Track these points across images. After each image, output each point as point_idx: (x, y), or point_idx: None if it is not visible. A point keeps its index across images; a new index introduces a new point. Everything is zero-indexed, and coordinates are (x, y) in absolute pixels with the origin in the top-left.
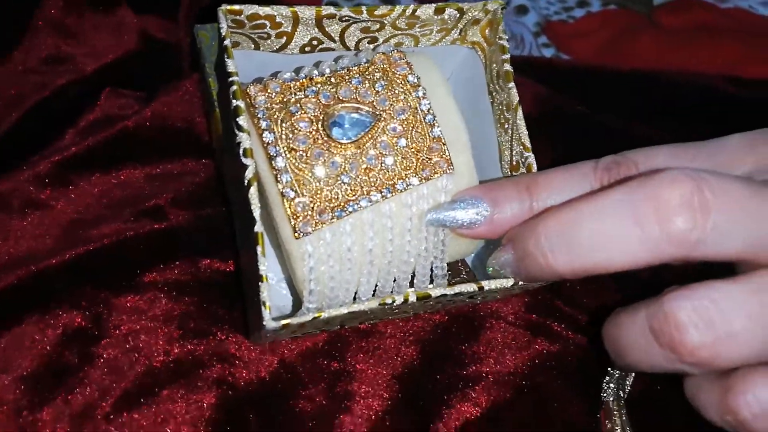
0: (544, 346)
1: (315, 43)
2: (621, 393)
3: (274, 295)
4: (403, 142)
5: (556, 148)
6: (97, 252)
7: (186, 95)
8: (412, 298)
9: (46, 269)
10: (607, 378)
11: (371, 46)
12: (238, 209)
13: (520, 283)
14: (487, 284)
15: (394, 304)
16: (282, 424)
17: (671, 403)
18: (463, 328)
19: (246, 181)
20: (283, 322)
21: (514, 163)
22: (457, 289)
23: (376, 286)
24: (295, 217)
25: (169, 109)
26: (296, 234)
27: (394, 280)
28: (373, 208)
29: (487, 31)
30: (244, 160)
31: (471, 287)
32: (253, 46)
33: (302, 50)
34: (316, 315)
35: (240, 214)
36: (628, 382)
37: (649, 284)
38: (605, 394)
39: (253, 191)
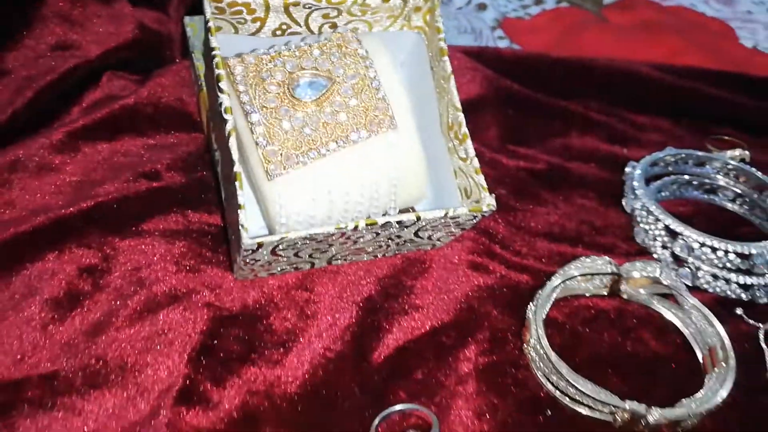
0: (481, 280)
1: (284, 27)
2: (543, 313)
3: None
4: (353, 101)
5: (502, 124)
6: (102, 205)
7: (177, 78)
8: (362, 225)
9: (60, 218)
10: (532, 301)
11: (331, 30)
12: (222, 165)
13: (452, 213)
14: (424, 214)
15: (348, 229)
16: (260, 335)
17: None
18: (414, 267)
19: (227, 133)
20: (258, 239)
21: (450, 123)
22: (398, 217)
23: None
24: (267, 161)
25: (163, 89)
26: (268, 176)
27: (353, 220)
28: (331, 157)
29: (427, 16)
30: (225, 116)
31: (410, 216)
32: (233, 30)
33: (273, 34)
34: (284, 235)
35: (223, 169)
36: (547, 306)
37: (576, 238)
38: (529, 313)
39: (232, 141)
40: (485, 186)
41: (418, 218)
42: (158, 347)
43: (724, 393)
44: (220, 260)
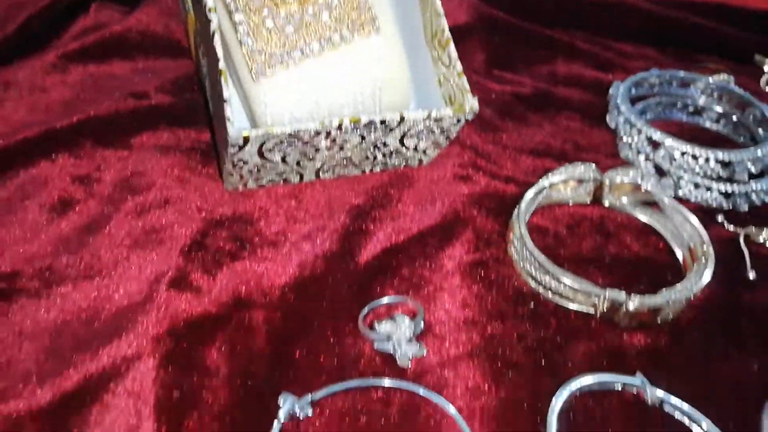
0: (467, 189)
1: None
2: (527, 213)
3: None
4: (336, 2)
5: (488, 51)
6: (93, 120)
7: (164, 8)
8: (346, 122)
9: (52, 130)
10: (516, 207)
11: None
12: (208, 71)
13: (435, 115)
14: (408, 114)
15: (332, 126)
16: (250, 237)
17: None
18: (402, 181)
19: (211, 32)
20: (244, 132)
21: (433, 31)
22: (382, 116)
23: None
24: (251, 60)
25: (150, 18)
26: (253, 77)
27: None
28: (316, 59)
29: None
30: (209, 15)
31: (394, 115)
32: None
33: None
34: (269, 129)
35: (210, 74)
36: (532, 208)
37: (560, 155)
38: (513, 214)
39: (217, 39)
40: (468, 88)
41: (402, 118)
42: (150, 244)
43: (703, 282)
44: (210, 173)
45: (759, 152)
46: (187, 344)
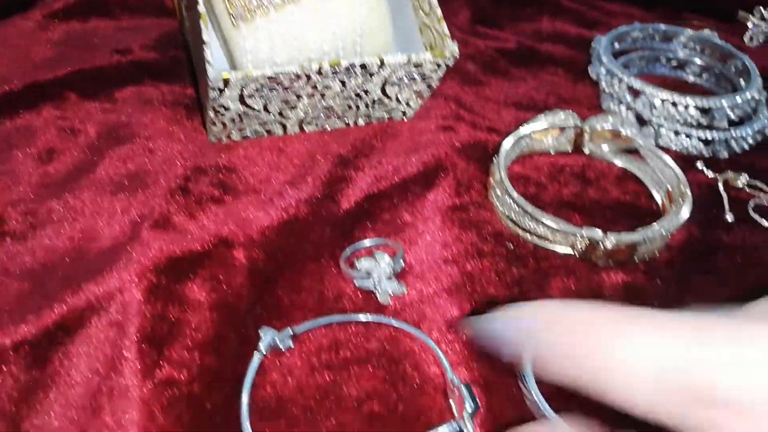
0: (449, 138)
1: None
2: (505, 161)
3: None
4: None
5: (473, 9)
6: (77, 74)
7: None
8: (325, 66)
9: (37, 83)
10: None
11: None
12: (189, 18)
13: (415, 59)
14: (387, 58)
15: (312, 70)
16: (233, 183)
17: None
18: (385, 132)
19: None
20: (224, 74)
21: None
22: (362, 60)
23: None
24: (231, 5)
25: None
26: (233, 21)
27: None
28: (296, 5)
29: None
30: None
31: (373, 58)
32: None
33: None
34: (248, 72)
35: (190, 17)
36: (513, 154)
37: (543, 107)
38: (493, 162)
39: None
40: (447, 33)
41: (382, 62)
42: (134, 189)
43: (680, 220)
44: (194, 126)
45: (738, 99)
46: (169, 279)
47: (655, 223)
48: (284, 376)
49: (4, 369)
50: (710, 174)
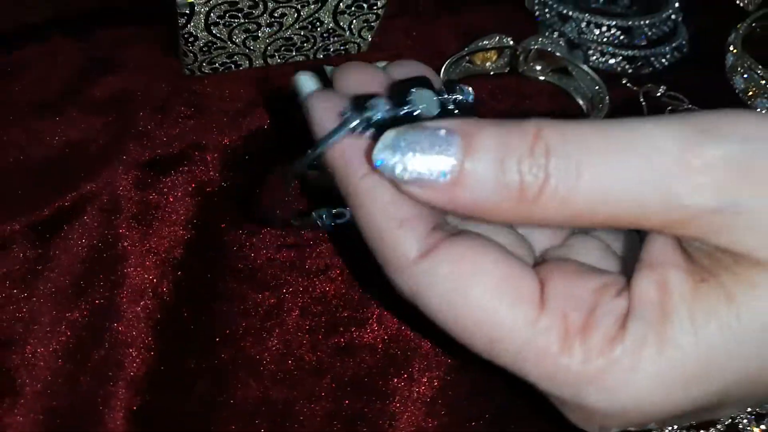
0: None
1: None
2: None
3: None
4: None
5: None
6: (60, 14)
7: None
8: None
9: (24, 25)
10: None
11: None
12: None
13: None
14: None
15: None
16: (204, 105)
17: None
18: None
19: None
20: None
21: None
22: None
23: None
24: None
25: None
26: None
27: None
28: None
29: None
30: None
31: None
32: None
33: None
34: None
35: None
36: (454, 72)
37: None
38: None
39: None
40: None
41: None
42: (114, 111)
43: (597, 118)
44: (171, 61)
45: (655, 19)
46: (151, 174)
47: None
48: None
49: (15, 248)
50: (634, 88)
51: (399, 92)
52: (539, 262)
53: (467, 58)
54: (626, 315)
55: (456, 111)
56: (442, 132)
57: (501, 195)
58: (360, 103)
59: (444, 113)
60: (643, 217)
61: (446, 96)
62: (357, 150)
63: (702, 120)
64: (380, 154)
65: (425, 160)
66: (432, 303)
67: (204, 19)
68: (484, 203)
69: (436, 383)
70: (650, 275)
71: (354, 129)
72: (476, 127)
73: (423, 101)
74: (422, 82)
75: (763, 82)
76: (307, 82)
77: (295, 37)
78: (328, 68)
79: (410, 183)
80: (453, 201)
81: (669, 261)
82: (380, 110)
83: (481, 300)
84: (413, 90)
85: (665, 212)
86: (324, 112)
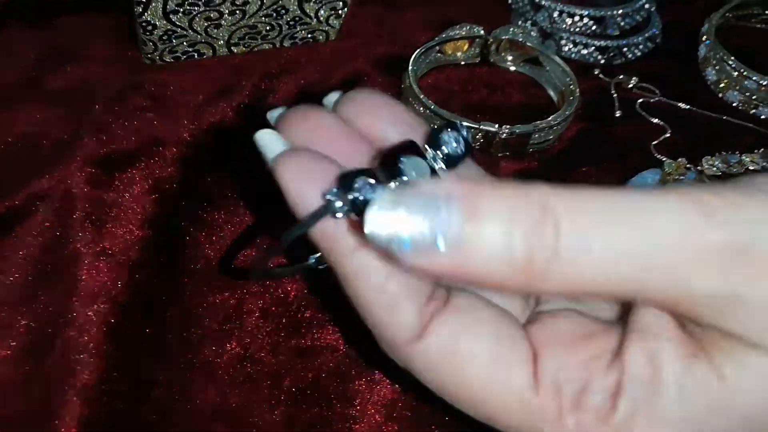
0: (369, 54)
1: None
2: (415, 70)
3: None
4: None
5: None
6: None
7: None
8: None
9: None
10: None
11: None
12: None
13: None
14: None
15: None
16: (163, 96)
17: None
18: (310, 53)
19: None
20: None
21: None
22: None
23: None
24: None
25: None
26: None
27: None
28: None
29: None
30: None
31: None
32: None
33: None
34: None
35: None
36: (422, 68)
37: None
38: (404, 74)
39: None
40: None
41: None
42: (73, 101)
43: (568, 113)
44: (131, 52)
45: (628, 9)
46: (107, 171)
47: (549, 117)
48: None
49: None
50: (606, 79)
51: (386, 164)
52: (533, 319)
53: (437, 48)
54: (617, 392)
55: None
56: (441, 197)
57: (507, 267)
58: (346, 182)
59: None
60: (645, 296)
61: (435, 153)
62: (343, 227)
63: (706, 202)
64: (372, 226)
65: (423, 229)
66: (431, 378)
67: (162, 7)
68: (488, 274)
69: (397, 386)
70: (642, 345)
71: (337, 212)
72: (477, 191)
73: (413, 170)
74: (410, 148)
75: (735, 74)
76: (271, 142)
77: (260, 25)
78: (273, 113)
79: (406, 255)
80: (454, 272)
81: (662, 332)
82: (366, 192)
83: (475, 384)
84: (402, 159)
85: (668, 293)
86: (299, 184)
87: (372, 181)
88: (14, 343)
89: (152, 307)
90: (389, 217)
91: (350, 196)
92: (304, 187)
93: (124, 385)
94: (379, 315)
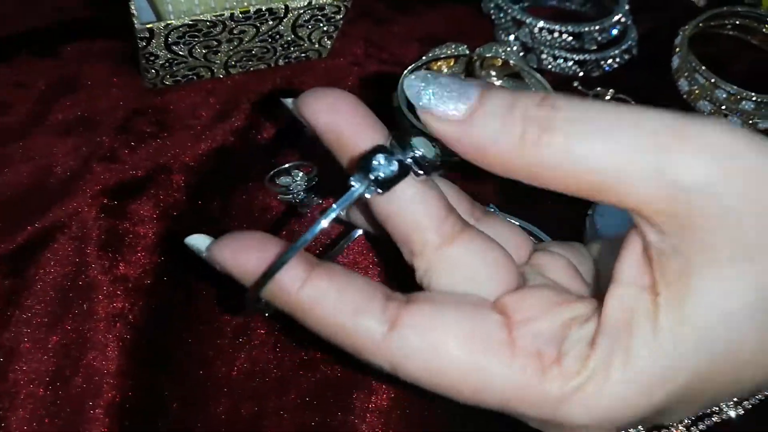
0: (359, 73)
1: None
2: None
3: None
4: None
5: None
6: (24, 33)
7: None
8: (236, 12)
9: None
10: None
11: None
12: None
13: (315, 2)
14: (291, 3)
15: (225, 17)
16: (167, 122)
17: None
18: (303, 72)
19: None
20: (148, 24)
21: None
22: (267, 5)
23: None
24: None
25: None
26: None
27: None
28: None
29: None
30: None
31: (278, 5)
32: None
33: None
34: (170, 21)
35: None
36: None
37: (444, 42)
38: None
39: None
40: None
41: (287, 8)
42: (81, 130)
43: None
44: (132, 75)
45: (605, 24)
46: (118, 200)
47: None
48: None
49: None
50: (586, 91)
51: (364, 160)
52: (502, 296)
53: (424, 67)
54: (594, 338)
55: (420, 170)
56: (465, 81)
57: (505, 136)
58: (365, 164)
59: (403, 171)
60: (632, 189)
61: (403, 155)
62: (287, 275)
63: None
64: (413, 82)
65: (448, 97)
66: (412, 371)
67: (164, 41)
68: (488, 142)
69: (392, 394)
70: (619, 294)
71: (365, 193)
72: (491, 85)
73: (422, 147)
74: (379, 150)
75: (706, 83)
76: (202, 241)
77: (255, 49)
78: (288, 100)
79: (429, 111)
80: (462, 136)
81: (637, 281)
82: (384, 168)
83: (457, 359)
84: (414, 140)
85: (653, 186)
86: (237, 257)
87: (387, 156)
88: (44, 367)
89: (167, 329)
90: (426, 81)
91: (371, 176)
92: (242, 258)
93: (143, 402)
94: (347, 327)
